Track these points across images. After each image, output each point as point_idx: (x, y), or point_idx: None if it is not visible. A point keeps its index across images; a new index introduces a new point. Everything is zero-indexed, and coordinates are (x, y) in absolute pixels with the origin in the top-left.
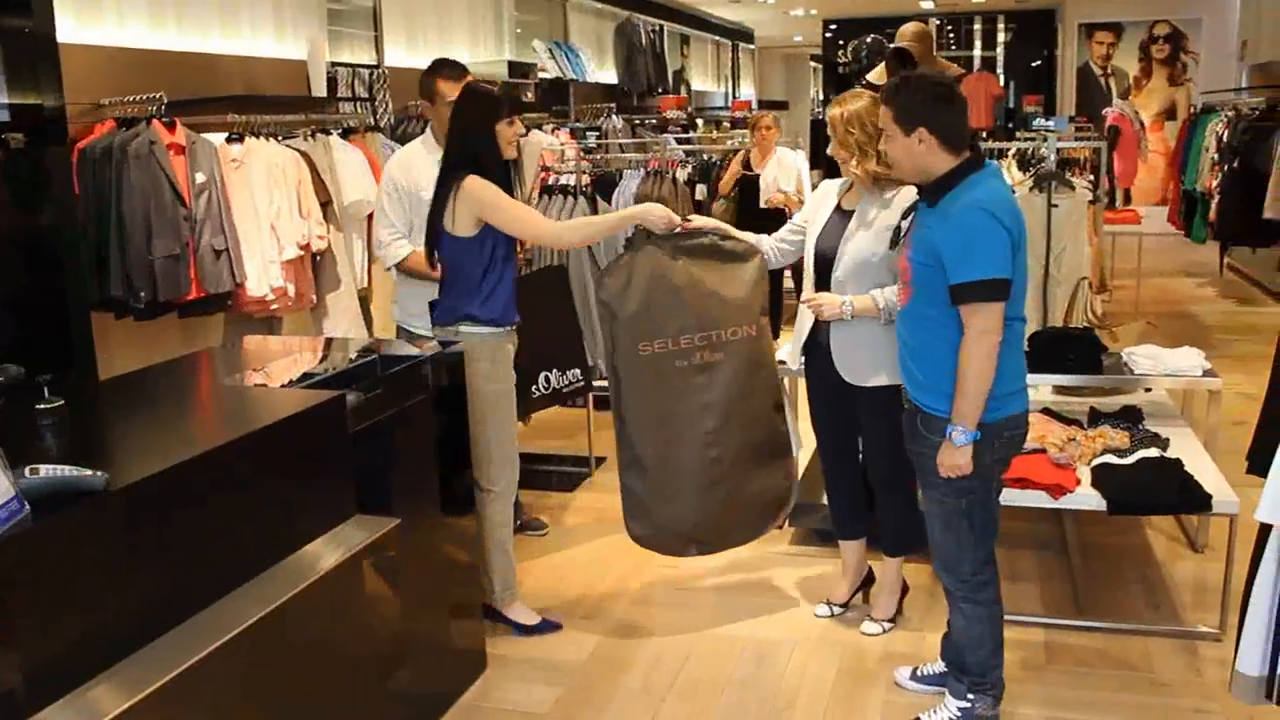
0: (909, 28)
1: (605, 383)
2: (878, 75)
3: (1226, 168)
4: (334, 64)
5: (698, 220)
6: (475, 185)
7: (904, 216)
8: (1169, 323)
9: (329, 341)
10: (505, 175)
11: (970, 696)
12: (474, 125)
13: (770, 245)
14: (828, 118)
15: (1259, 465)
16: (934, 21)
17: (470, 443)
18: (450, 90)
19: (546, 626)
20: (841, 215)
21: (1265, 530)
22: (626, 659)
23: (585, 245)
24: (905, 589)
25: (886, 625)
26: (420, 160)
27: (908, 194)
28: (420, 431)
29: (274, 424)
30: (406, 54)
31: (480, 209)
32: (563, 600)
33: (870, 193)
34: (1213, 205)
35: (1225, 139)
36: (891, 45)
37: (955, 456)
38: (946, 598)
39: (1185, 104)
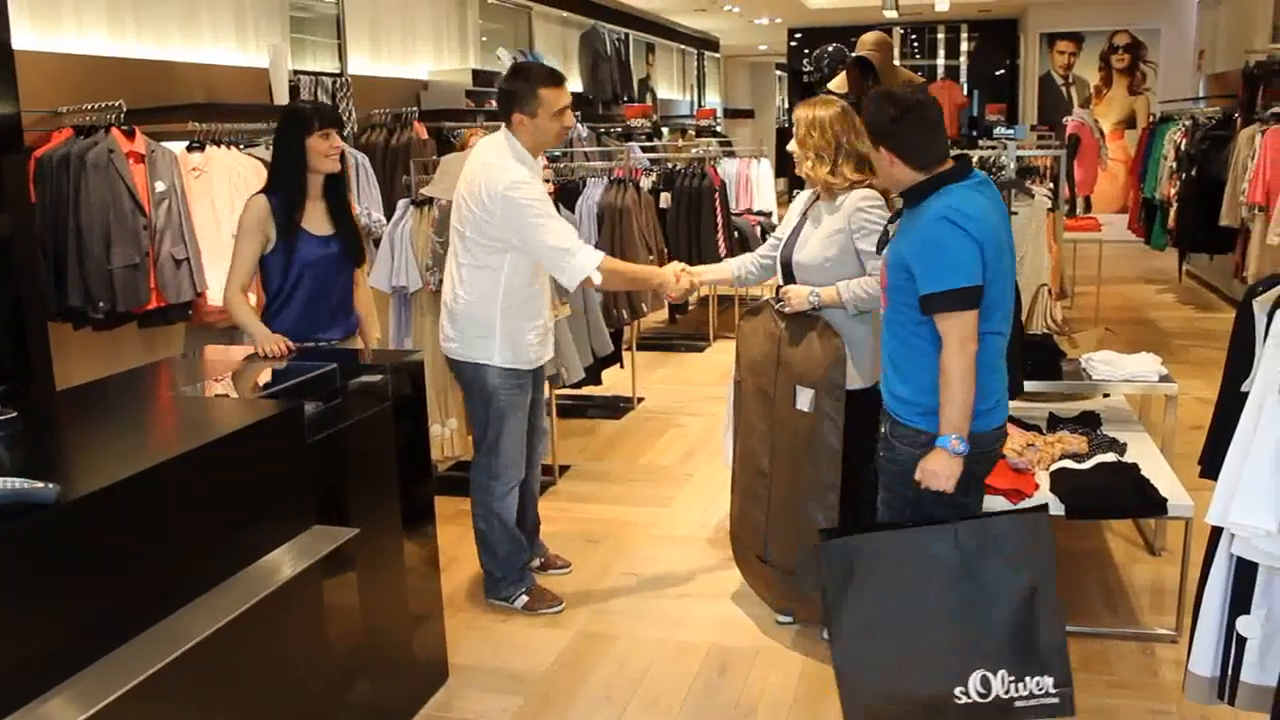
0: (869, 37)
1: (569, 391)
2: (839, 84)
3: (1185, 176)
4: (297, 72)
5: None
6: (246, 206)
7: (890, 221)
8: (1129, 329)
9: (294, 351)
10: (334, 190)
11: None
12: (284, 142)
13: (752, 261)
14: (795, 116)
15: (1211, 469)
16: (898, 30)
17: None
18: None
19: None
20: (803, 225)
21: (1217, 533)
22: (589, 668)
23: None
24: None
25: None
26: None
27: (853, 199)
28: (380, 441)
29: (229, 435)
30: (370, 62)
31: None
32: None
33: (823, 199)
34: (1171, 213)
35: (1183, 148)
36: (852, 54)
37: (940, 464)
38: None
39: (1145, 113)
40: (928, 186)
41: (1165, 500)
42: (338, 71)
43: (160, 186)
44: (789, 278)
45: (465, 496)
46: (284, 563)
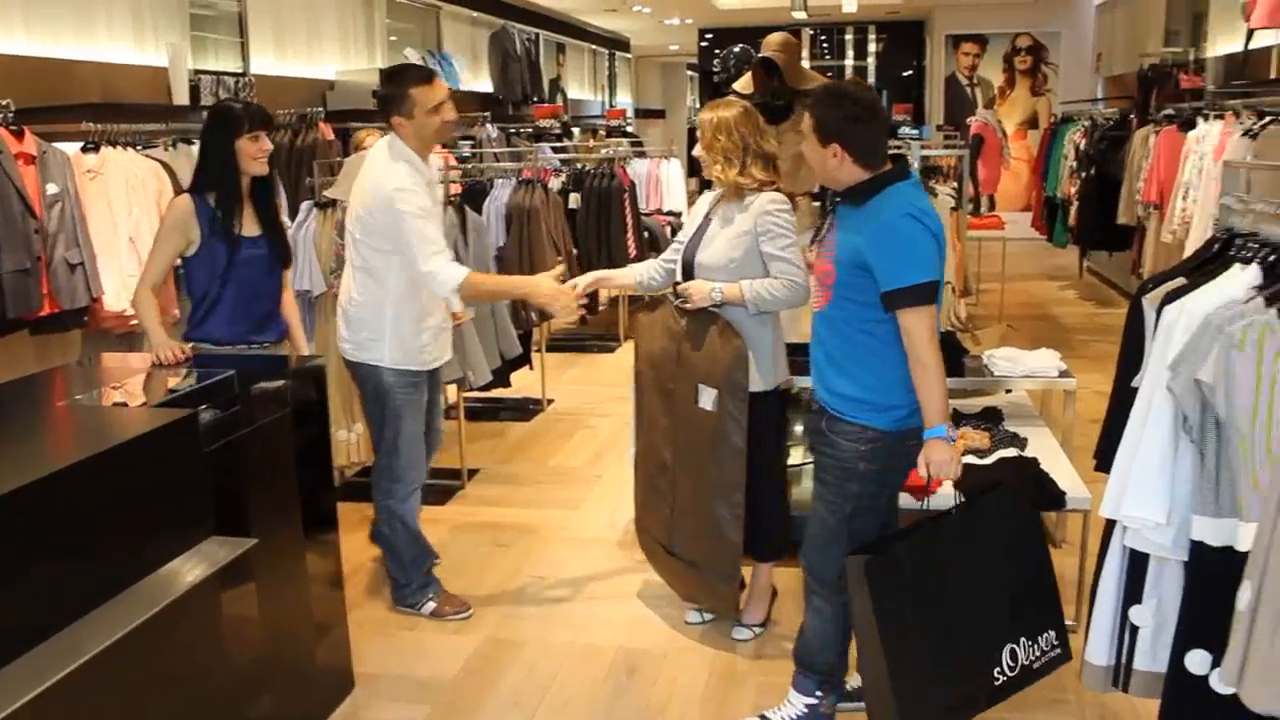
0: (774, 38)
1: (477, 393)
2: (744, 84)
3: (1084, 175)
4: (197, 71)
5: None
6: (170, 205)
7: (822, 217)
8: (1032, 325)
9: (190, 358)
10: (263, 192)
11: (818, 694)
12: (213, 143)
13: (656, 267)
14: (699, 120)
15: (1105, 463)
16: (807, 31)
17: None
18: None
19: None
20: (706, 225)
21: (1112, 526)
22: (497, 673)
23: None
24: (774, 594)
25: (757, 630)
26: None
27: (760, 201)
28: (280, 448)
29: (123, 444)
30: (275, 61)
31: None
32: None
33: (729, 201)
34: (1072, 211)
35: (1083, 147)
36: (758, 55)
37: (944, 453)
38: (806, 596)
39: (1046, 113)
40: (875, 184)
41: (1064, 494)
42: (240, 71)
43: (52, 189)
44: (689, 278)
45: (370, 502)
46: (181, 574)
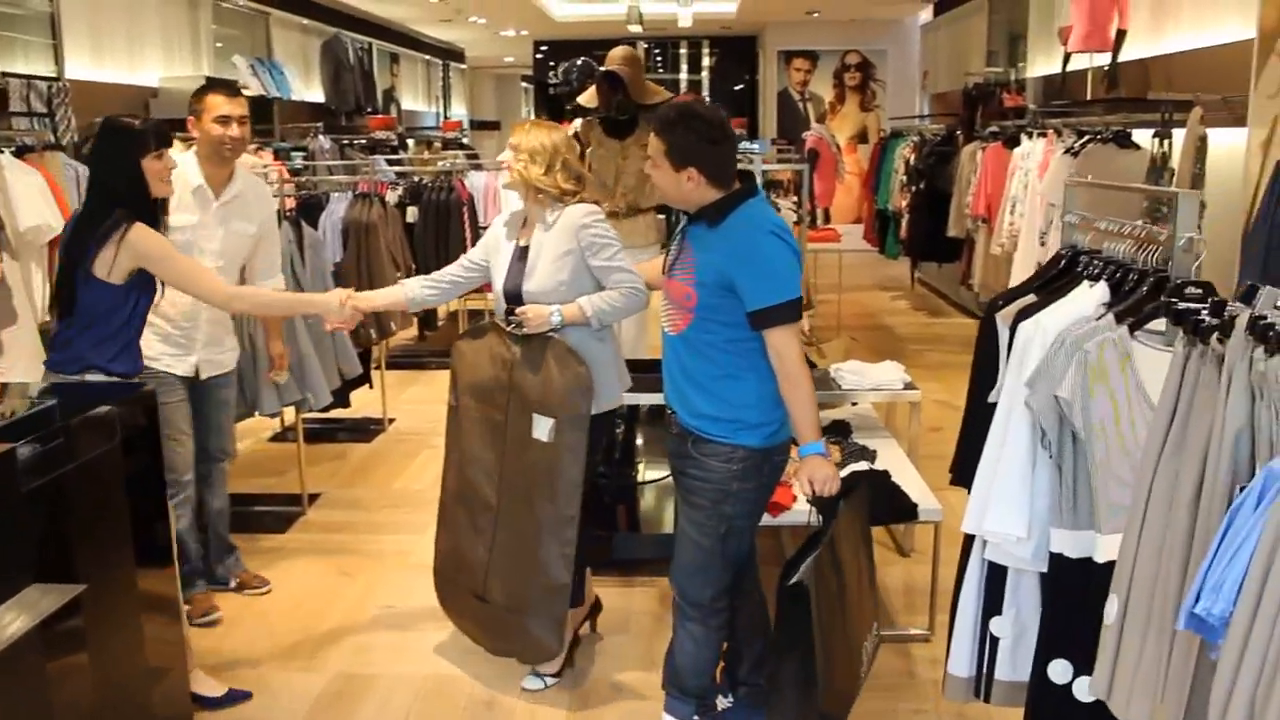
0: (618, 52)
1: (314, 414)
2: (588, 98)
3: (915, 189)
4: (5, 74)
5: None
6: (142, 236)
7: (671, 240)
8: (868, 335)
9: (2, 386)
10: (153, 216)
11: (695, 717)
12: (116, 163)
13: (429, 282)
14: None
15: (961, 477)
16: (642, 45)
17: None
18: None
19: (236, 697)
20: (522, 253)
21: (970, 539)
22: (348, 712)
23: (251, 315)
24: (576, 640)
25: (549, 680)
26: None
27: (571, 217)
28: (109, 484)
29: None
30: (91, 66)
31: (147, 262)
32: (277, 652)
33: (535, 213)
34: (904, 223)
35: (913, 162)
36: (602, 69)
37: (824, 468)
38: (675, 619)
39: (875, 128)
40: (728, 203)
41: (916, 506)
42: (54, 75)
43: None
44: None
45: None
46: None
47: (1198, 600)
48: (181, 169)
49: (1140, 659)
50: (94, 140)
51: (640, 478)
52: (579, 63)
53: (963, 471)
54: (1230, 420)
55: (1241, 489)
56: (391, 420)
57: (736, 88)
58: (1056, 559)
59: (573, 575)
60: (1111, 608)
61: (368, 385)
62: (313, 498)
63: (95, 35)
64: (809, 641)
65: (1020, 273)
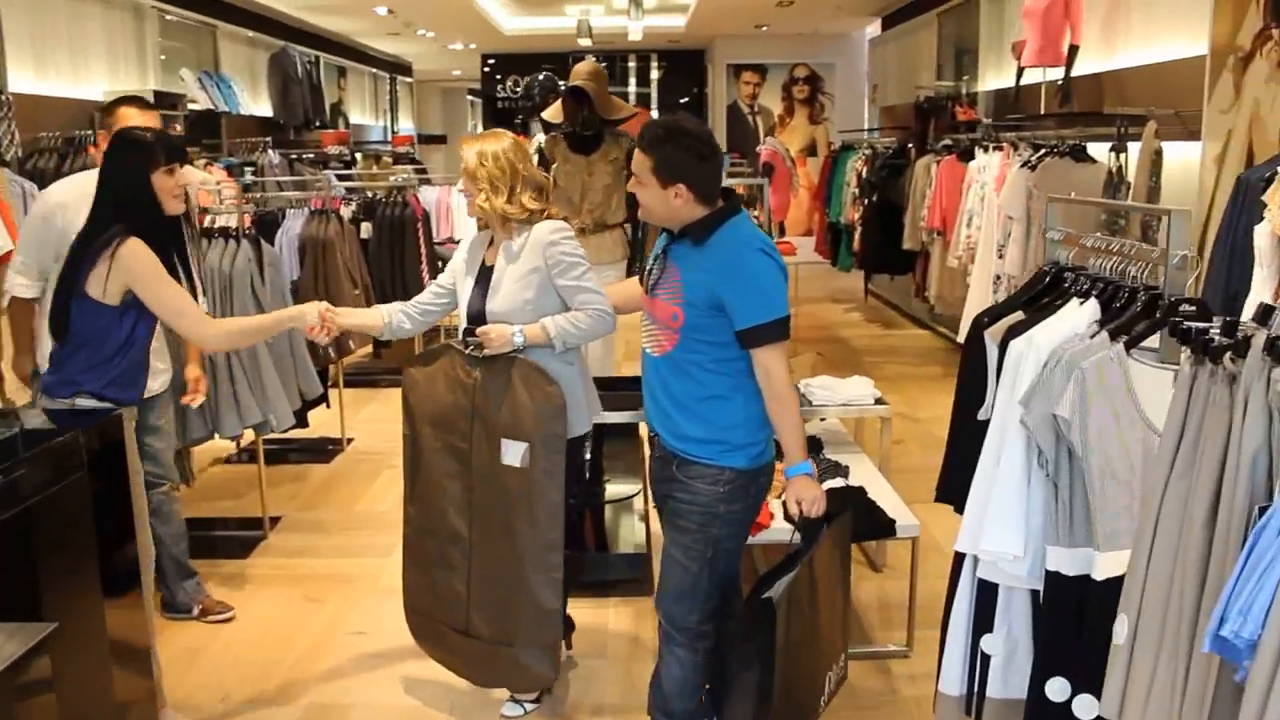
0: (583, 67)
1: (281, 435)
2: (553, 114)
3: (867, 201)
4: None
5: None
6: (134, 252)
7: (647, 258)
8: (824, 348)
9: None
10: (174, 234)
11: None
12: (126, 178)
13: (406, 310)
14: (461, 153)
15: (947, 494)
16: (590, 58)
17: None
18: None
19: None
20: (487, 273)
21: (961, 557)
22: None
23: (237, 348)
24: (571, 625)
25: (529, 706)
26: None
27: (539, 234)
28: (76, 514)
29: None
30: (35, 79)
31: (131, 280)
32: (246, 683)
33: (501, 236)
34: (856, 236)
35: (865, 175)
36: (568, 84)
37: (811, 488)
38: (661, 644)
39: (824, 141)
40: (714, 221)
41: (894, 522)
42: None
43: None
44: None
45: None
46: None
47: (1222, 623)
48: (87, 183)
49: (1153, 680)
50: (106, 154)
51: (608, 496)
52: (540, 77)
53: (948, 489)
54: (1247, 440)
55: (1261, 510)
56: (350, 440)
57: (682, 100)
58: (1053, 577)
59: (563, 600)
60: (1121, 628)
61: (325, 405)
62: (274, 521)
63: (38, 48)
64: (770, 660)
65: (978, 285)
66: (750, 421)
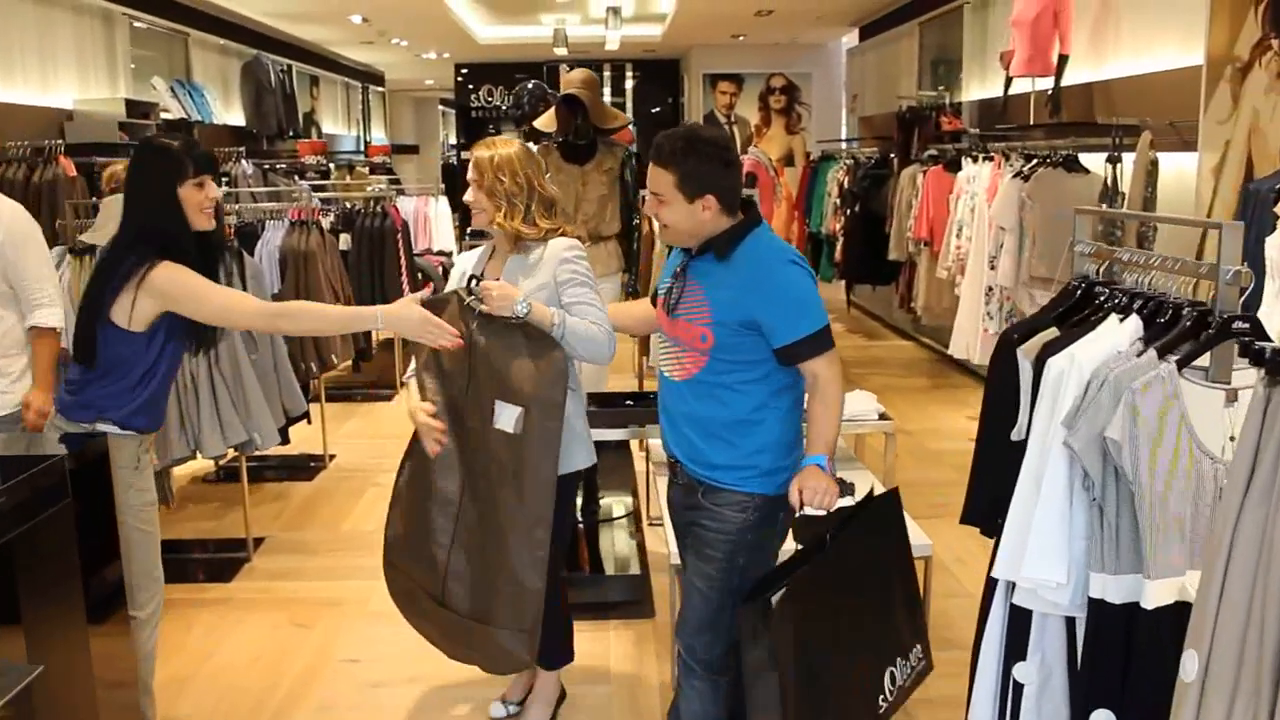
0: (576, 75)
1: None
2: (546, 122)
3: (849, 212)
4: None
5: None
6: (166, 275)
7: (670, 278)
8: None
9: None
10: (206, 253)
11: None
12: (150, 192)
13: None
14: (473, 159)
15: (975, 517)
16: (564, 67)
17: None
18: None
19: None
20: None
21: (992, 583)
22: None
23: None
24: (562, 695)
25: (513, 709)
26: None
27: (554, 250)
28: (61, 547)
29: None
30: (1, 87)
31: (172, 303)
32: (236, 716)
33: (513, 254)
34: (838, 247)
35: (846, 185)
36: (560, 92)
37: (824, 480)
38: (681, 677)
39: (802, 151)
40: (739, 233)
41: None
42: None
43: None
44: None
45: None
46: None
47: None
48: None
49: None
50: (129, 165)
51: (605, 515)
52: (530, 85)
53: (976, 512)
54: None
55: None
56: (333, 456)
57: (655, 110)
58: (1097, 605)
59: (547, 584)
60: (1190, 664)
61: (306, 420)
62: (258, 542)
63: (5, 55)
64: (777, 682)
65: (969, 297)
66: (780, 445)
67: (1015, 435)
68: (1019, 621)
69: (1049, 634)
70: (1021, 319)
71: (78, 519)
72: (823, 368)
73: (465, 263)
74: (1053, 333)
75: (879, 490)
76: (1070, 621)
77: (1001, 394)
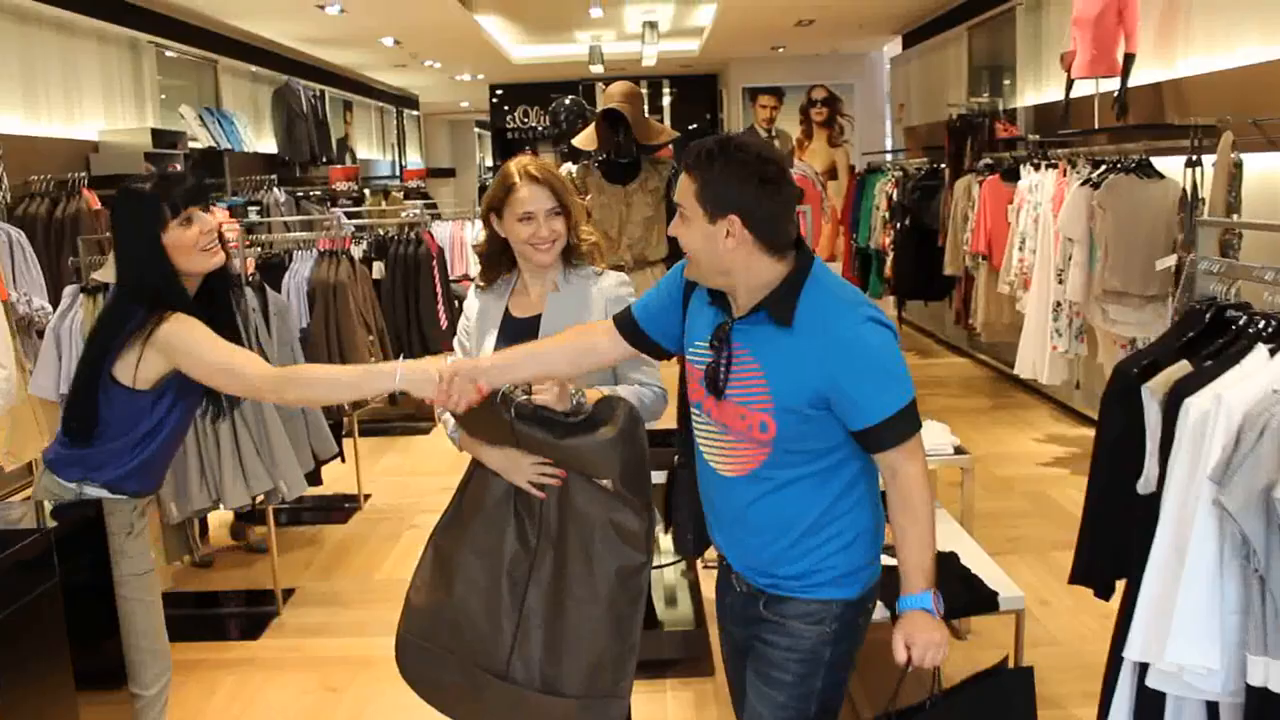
0: (617, 88)
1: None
2: (586, 140)
3: (899, 225)
4: None
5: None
6: (172, 328)
7: (705, 341)
8: None
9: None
10: (214, 298)
11: None
12: (133, 243)
13: None
14: (543, 178)
15: (1089, 577)
16: (601, 85)
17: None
18: None
19: None
20: (520, 325)
21: (1119, 658)
22: None
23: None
24: None
25: None
26: None
27: (609, 285)
28: (47, 630)
29: None
30: (24, 120)
31: (178, 358)
32: None
33: (536, 284)
34: (888, 262)
35: (895, 198)
36: (600, 108)
37: (935, 631)
38: None
39: (845, 164)
40: (795, 286)
41: (995, 594)
42: None
43: None
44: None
45: None
46: None
47: None
48: None
49: None
50: (109, 218)
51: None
52: (567, 101)
53: (1090, 572)
54: None
55: None
56: (367, 496)
57: (692, 127)
58: (1260, 694)
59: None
60: None
61: (339, 459)
62: (287, 594)
63: (28, 85)
64: None
65: (1035, 313)
66: (862, 540)
67: (1142, 488)
68: (1150, 702)
69: (1186, 716)
70: (1135, 349)
71: (70, 591)
72: (906, 460)
73: (474, 309)
74: (1184, 367)
75: (959, 532)
76: (1212, 706)
77: (1121, 438)
